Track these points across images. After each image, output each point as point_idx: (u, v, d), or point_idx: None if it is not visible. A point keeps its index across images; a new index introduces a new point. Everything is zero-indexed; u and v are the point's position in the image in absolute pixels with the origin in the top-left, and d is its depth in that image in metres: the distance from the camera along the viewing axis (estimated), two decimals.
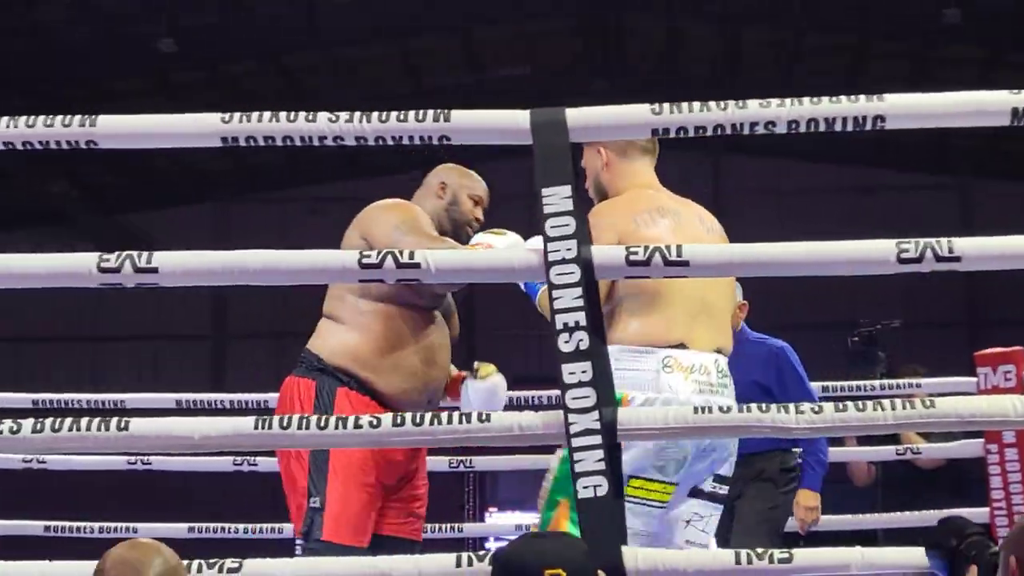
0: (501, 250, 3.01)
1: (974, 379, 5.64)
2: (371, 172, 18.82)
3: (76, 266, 2.85)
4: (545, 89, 16.89)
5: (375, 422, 2.80)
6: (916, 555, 2.77)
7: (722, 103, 2.83)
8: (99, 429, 2.78)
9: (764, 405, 2.79)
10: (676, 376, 3.46)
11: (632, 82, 16.36)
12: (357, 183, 19.06)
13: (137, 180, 18.51)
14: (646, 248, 2.79)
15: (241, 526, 5.68)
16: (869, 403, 2.81)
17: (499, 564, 2.37)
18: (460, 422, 2.78)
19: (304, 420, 2.79)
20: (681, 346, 3.50)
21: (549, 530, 3.44)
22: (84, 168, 16.47)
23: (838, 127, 2.85)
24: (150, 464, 5.87)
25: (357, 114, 2.82)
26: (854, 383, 6.13)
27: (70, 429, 2.79)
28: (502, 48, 16.39)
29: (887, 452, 6.12)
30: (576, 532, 3.36)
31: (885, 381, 6.27)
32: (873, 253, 2.82)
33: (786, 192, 18.53)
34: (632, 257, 2.79)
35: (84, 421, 2.81)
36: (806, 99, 2.83)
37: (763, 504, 5.22)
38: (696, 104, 2.83)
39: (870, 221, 17.20)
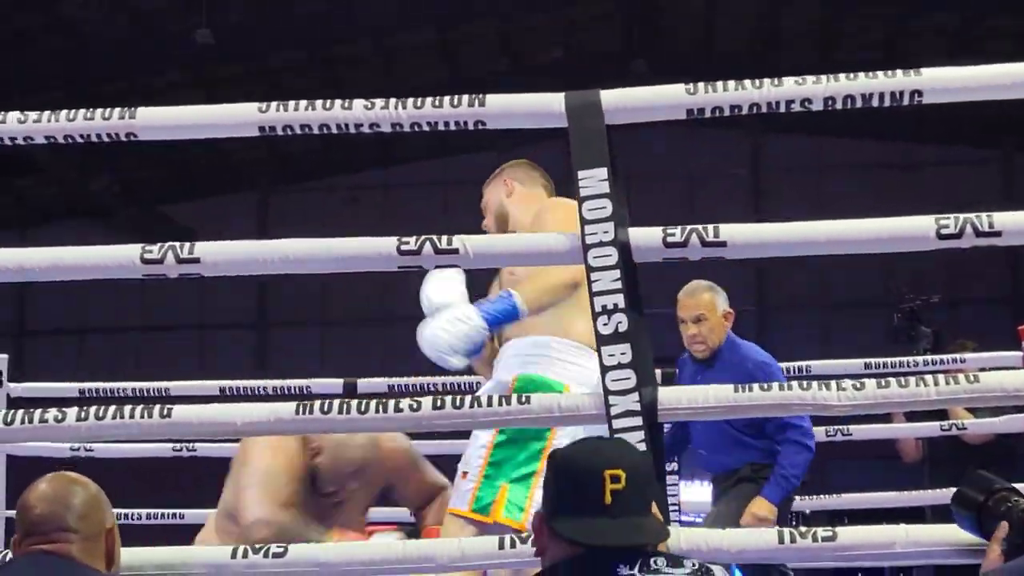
0: (538, 235, 3.02)
1: (1019, 353, 5.61)
2: (406, 160, 18.87)
3: (120, 258, 2.87)
4: (583, 73, 16.87)
5: (415, 405, 2.81)
6: (962, 533, 2.75)
7: (757, 81, 2.82)
8: (142, 416, 2.81)
9: (806, 383, 2.78)
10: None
11: (671, 63, 16.33)
12: (394, 170, 19.14)
13: (177, 172, 18.63)
14: (683, 229, 2.79)
15: None
16: (912, 379, 2.80)
17: (558, 464, 2.33)
18: (500, 404, 2.79)
19: (344, 404, 2.81)
20: None
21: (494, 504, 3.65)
22: (125, 161, 16.56)
23: (875, 103, 2.83)
24: (195, 451, 5.92)
25: (393, 100, 2.83)
26: (897, 359, 6.11)
27: (114, 417, 2.82)
28: (539, 33, 16.38)
29: (932, 428, 6.10)
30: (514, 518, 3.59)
31: (929, 357, 6.25)
32: (912, 229, 2.81)
33: (826, 170, 18.44)
34: (669, 239, 2.78)
35: (127, 408, 2.84)
36: (842, 75, 2.81)
37: (738, 504, 5.13)
38: (731, 83, 2.82)
39: (912, 197, 17.09)
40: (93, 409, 2.81)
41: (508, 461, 3.65)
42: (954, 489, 2.73)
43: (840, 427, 5.93)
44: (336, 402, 2.80)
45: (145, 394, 6.05)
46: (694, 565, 2.21)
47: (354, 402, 2.81)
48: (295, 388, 5.99)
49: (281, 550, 2.75)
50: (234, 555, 2.78)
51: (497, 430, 3.61)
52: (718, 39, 16.61)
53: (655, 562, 2.20)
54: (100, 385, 6.24)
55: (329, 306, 18.66)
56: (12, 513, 5.90)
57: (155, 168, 17.96)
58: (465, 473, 3.74)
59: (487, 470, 3.67)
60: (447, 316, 3.46)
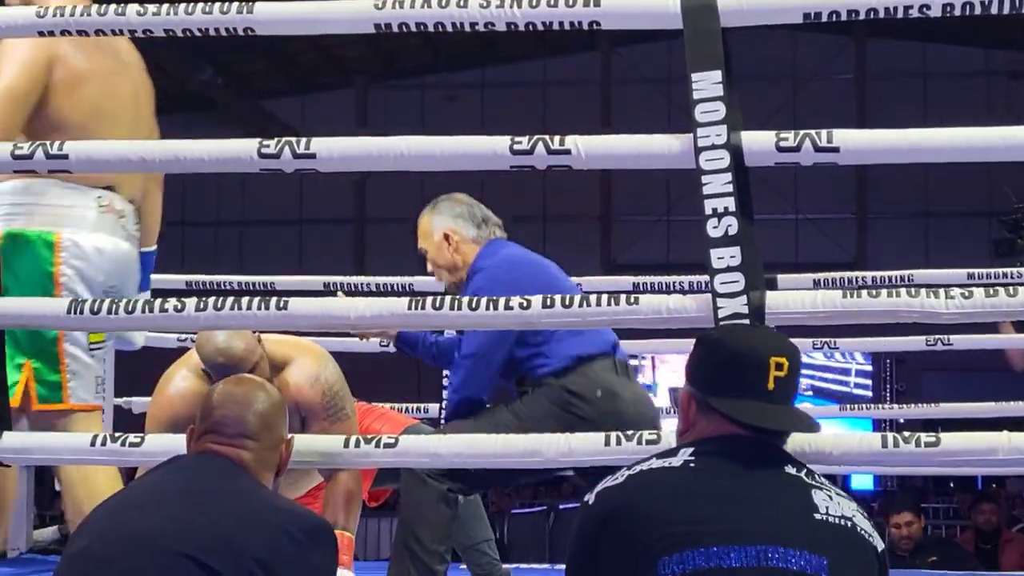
0: (650, 136, 3.01)
1: None
2: (506, 60, 18.81)
3: (238, 152, 2.92)
4: None
5: (525, 304, 2.85)
6: None
7: None
8: (259, 308, 2.87)
9: (914, 290, 2.78)
10: (109, 219, 3.62)
11: None
12: (492, 70, 19.10)
13: (278, 67, 18.72)
14: (796, 134, 2.79)
15: (387, 405, 5.79)
16: (1021, 288, 2.78)
17: (720, 344, 2.37)
18: (609, 304, 2.82)
19: (456, 301, 2.86)
20: (111, 188, 3.65)
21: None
22: (230, 56, 16.70)
23: (994, 9, 2.79)
24: None
25: (508, 0, 2.84)
26: (1002, 270, 6.05)
27: (232, 308, 2.88)
28: None
29: None
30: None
31: None
32: (1022, 139, 2.79)
33: (932, 76, 18.15)
34: (782, 143, 2.78)
35: (245, 300, 2.90)
36: None
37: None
38: None
39: (1020, 105, 16.79)
40: (212, 300, 2.88)
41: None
42: None
43: (940, 336, 5.89)
44: (448, 299, 2.84)
45: (252, 288, 6.15)
46: (838, 492, 2.29)
47: (465, 299, 2.85)
48: (399, 285, 6.06)
49: (392, 440, 2.82)
50: (347, 444, 2.86)
51: None
52: None
53: (817, 476, 2.28)
54: (205, 278, 6.34)
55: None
56: (121, 401, 6.06)
57: (257, 62, 18.08)
58: None
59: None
60: None
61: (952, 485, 15.62)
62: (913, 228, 18.23)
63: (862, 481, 15.80)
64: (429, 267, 4.31)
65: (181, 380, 3.86)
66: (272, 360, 3.84)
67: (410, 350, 4.59)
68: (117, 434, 2.95)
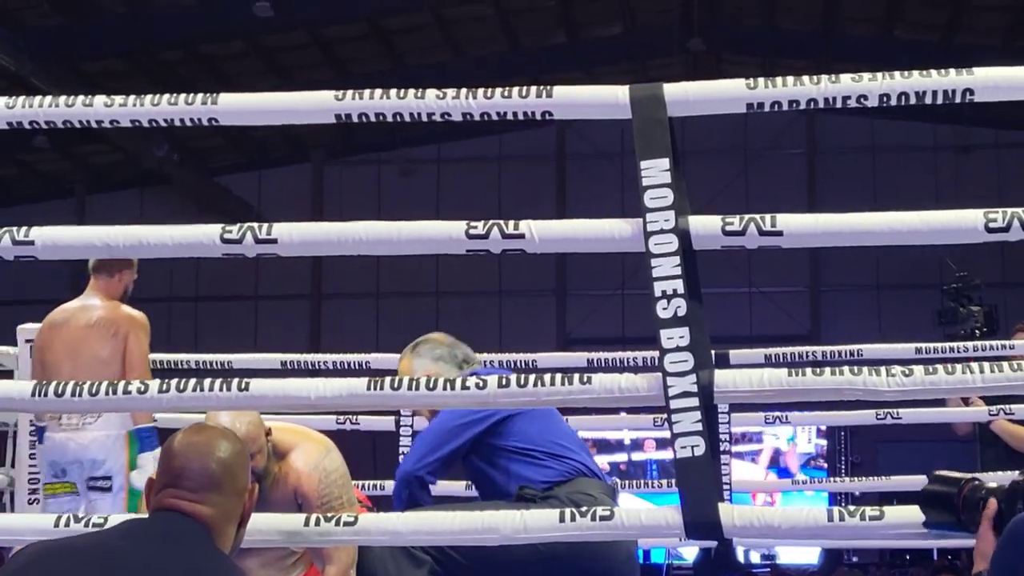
0: (602, 221, 3.12)
1: None
2: (463, 135, 18.98)
3: (201, 237, 3.01)
4: (640, 49, 16.90)
5: (481, 384, 2.94)
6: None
7: (815, 78, 2.92)
8: (221, 389, 2.94)
9: (856, 368, 2.88)
10: None
11: (729, 40, 16.34)
12: (448, 145, 19.25)
13: (236, 142, 18.82)
14: (741, 218, 2.90)
15: None
16: (959, 366, 2.89)
17: None
18: (563, 383, 2.90)
19: (414, 382, 2.93)
20: None
21: None
22: (185, 131, 16.77)
23: (928, 99, 2.93)
24: None
25: (464, 91, 2.95)
26: (948, 344, 6.19)
27: (194, 389, 2.95)
28: (598, 8, 16.42)
29: (981, 413, 6.18)
30: None
31: (979, 343, 6.34)
32: (960, 223, 2.90)
33: (881, 151, 18.42)
34: (728, 227, 2.89)
35: (207, 382, 2.97)
36: (897, 74, 2.91)
37: None
38: (790, 79, 2.92)
39: (967, 180, 17.05)
40: (174, 382, 2.95)
41: None
42: (1004, 472, 2.80)
43: (890, 410, 6.03)
44: (406, 379, 2.92)
45: (210, 366, 6.21)
46: None
47: (423, 379, 2.93)
48: (355, 363, 6.14)
49: (352, 519, 2.89)
50: (307, 523, 2.92)
51: None
52: (779, 17, 16.60)
53: None
54: (163, 356, 6.40)
55: (384, 278, 18.82)
56: None
57: (213, 137, 18.16)
58: None
59: None
60: None
61: (908, 557, 15.65)
62: (865, 300, 18.43)
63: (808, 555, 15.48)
64: (410, 410, 4.30)
65: None
66: (277, 447, 3.92)
67: None
68: (81, 514, 3.01)
